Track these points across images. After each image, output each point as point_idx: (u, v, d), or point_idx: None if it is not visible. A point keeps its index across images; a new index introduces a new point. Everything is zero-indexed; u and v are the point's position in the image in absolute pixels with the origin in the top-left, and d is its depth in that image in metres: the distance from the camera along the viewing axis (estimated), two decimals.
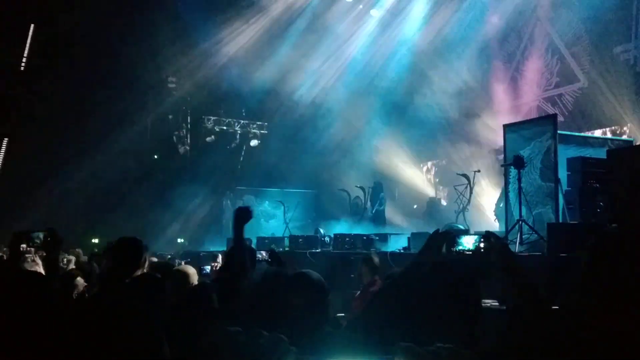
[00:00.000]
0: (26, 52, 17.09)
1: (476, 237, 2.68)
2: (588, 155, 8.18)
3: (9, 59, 16.92)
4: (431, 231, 2.81)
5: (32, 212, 14.01)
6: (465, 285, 2.55)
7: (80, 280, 4.52)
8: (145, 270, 4.48)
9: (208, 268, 9.05)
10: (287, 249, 11.99)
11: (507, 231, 7.90)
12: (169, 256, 11.02)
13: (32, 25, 17.05)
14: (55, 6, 15.89)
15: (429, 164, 18.56)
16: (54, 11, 16.02)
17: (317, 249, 11.34)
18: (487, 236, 2.63)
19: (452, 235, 2.74)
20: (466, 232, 8.30)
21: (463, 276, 2.58)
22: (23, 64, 17.12)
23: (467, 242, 2.69)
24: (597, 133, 13.06)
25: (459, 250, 2.68)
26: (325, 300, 2.60)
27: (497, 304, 4.58)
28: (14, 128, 16.85)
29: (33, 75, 16.81)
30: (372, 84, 18.14)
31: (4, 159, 17.09)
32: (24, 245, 4.92)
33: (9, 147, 17.16)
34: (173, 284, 4.26)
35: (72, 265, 5.75)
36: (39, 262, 5.53)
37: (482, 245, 2.63)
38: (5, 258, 5.61)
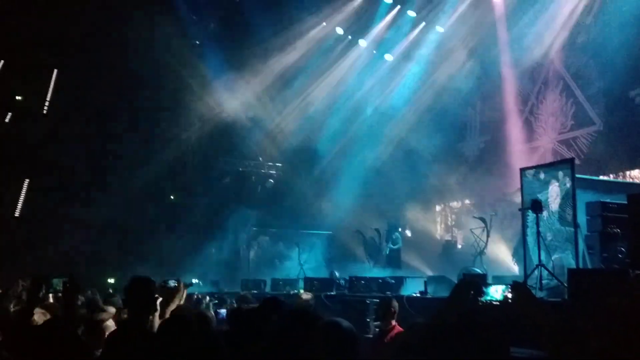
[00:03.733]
0: (49, 96, 17.45)
1: (504, 287, 2.69)
2: (607, 200, 8.13)
3: (32, 103, 17.30)
4: (447, 274, 2.81)
5: (50, 252, 14.09)
6: (494, 336, 2.53)
7: (110, 323, 4.50)
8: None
9: (224, 312, 8.96)
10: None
11: (526, 276, 7.82)
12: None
13: (55, 71, 17.46)
14: (77, 52, 16.29)
15: (444, 206, 18.49)
16: (76, 57, 16.41)
17: (332, 291, 11.25)
18: (514, 286, 2.63)
19: (479, 284, 2.73)
20: (484, 276, 8.25)
21: (491, 327, 2.57)
22: (45, 108, 17.47)
23: (495, 292, 2.69)
24: (613, 177, 13.00)
25: (487, 300, 2.68)
26: (357, 349, 2.56)
27: (528, 352, 4.51)
28: (34, 171, 17.08)
29: (55, 119, 17.12)
30: (384, 126, 18.26)
31: (25, 200, 17.26)
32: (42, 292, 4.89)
33: (30, 188, 17.36)
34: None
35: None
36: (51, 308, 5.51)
37: (509, 295, 2.63)
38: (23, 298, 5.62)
